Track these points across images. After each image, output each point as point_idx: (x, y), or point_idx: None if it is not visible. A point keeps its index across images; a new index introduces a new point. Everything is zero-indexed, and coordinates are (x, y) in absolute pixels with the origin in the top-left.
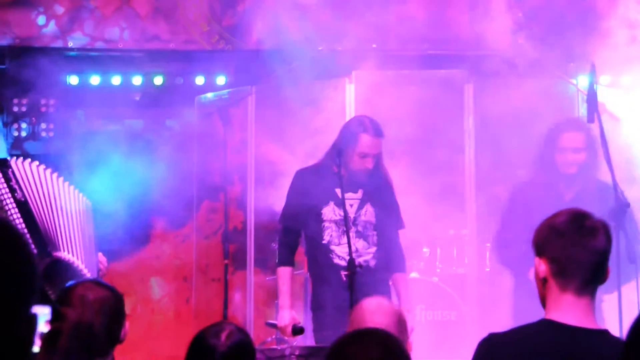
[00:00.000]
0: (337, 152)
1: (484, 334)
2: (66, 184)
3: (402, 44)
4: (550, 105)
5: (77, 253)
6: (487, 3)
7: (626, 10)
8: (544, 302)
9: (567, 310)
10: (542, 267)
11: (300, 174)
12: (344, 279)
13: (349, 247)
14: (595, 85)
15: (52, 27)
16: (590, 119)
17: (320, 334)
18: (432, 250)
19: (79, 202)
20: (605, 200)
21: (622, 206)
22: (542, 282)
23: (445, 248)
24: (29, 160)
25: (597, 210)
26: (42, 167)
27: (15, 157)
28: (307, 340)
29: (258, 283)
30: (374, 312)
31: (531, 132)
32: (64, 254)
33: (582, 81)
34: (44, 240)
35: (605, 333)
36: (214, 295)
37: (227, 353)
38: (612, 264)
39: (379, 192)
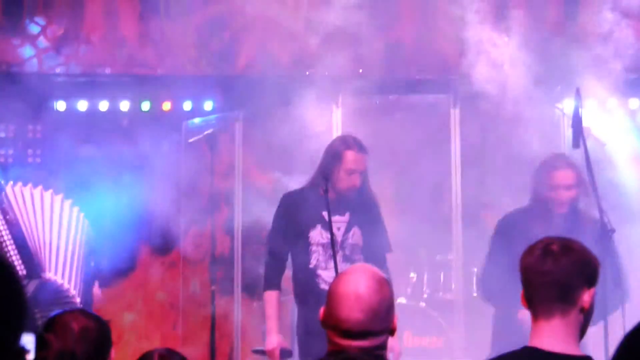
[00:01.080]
0: (323, 173)
1: None
2: (69, 208)
3: (389, 69)
4: (536, 130)
5: (67, 275)
6: (473, 28)
7: (611, 34)
8: None
9: (543, 336)
10: (522, 293)
11: (287, 198)
12: None
13: (336, 272)
14: (580, 110)
15: (39, 52)
16: (576, 144)
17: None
18: (419, 275)
19: (76, 225)
20: (590, 228)
21: (608, 232)
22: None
23: (432, 273)
24: (21, 183)
25: (584, 239)
26: (39, 189)
27: (10, 182)
28: None
29: (245, 308)
30: (350, 303)
31: (517, 157)
32: (51, 275)
33: (568, 105)
34: (34, 261)
35: (588, 359)
36: (200, 322)
37: None
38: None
39: (366, 215)
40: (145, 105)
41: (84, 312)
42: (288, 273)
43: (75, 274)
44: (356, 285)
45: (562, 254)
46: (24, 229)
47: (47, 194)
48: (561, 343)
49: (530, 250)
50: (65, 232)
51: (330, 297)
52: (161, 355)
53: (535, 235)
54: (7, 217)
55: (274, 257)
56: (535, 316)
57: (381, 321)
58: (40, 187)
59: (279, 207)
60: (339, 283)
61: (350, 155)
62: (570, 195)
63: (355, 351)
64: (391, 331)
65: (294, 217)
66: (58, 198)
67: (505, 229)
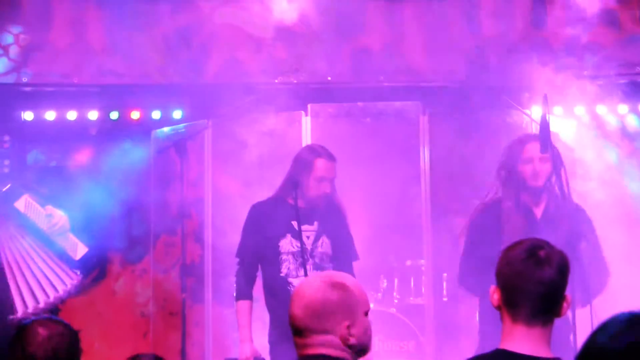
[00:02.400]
0: (293, 183)
1: None
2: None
3: (357, 76)
4: (505, 136)
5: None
6: (441, 35)
7: (578, 41)
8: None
9: (519, 340)
10: (495, 295)
11: (256, 208)
12: None
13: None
14: (548, 116)
15: (5, 62)
16: (544, 150)
17: None
18: (390, 280)
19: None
20: (569, 214)
21: (588, 220)
22: (498, 310)
23: (403, 278)
24: None
25: (567, 226)
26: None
27: None
28: None
29: (216, 316)
30: (293, 300)
31: (486, 163)
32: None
33: (536, 112)
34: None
35: None
36: (171, 330)
37: None
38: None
39: (334, 224)
40: (114, 115)
41: (53, 320)
42: (259, 282)
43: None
44: (304, 286)
45: (552, 263)
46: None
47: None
48: (535, 347)
49: (516, 253)
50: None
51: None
52: None
53: (518, 220)
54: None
55: (244, 267)
56: (514, 320)
57: (322, 319)
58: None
59: (248, 218)
60: (296, 287)
61: (320, 164)
62: (544, 168)
63: (307, 353)
64: (344, 340)
65: (263, 227)
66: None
67: (480, 217)
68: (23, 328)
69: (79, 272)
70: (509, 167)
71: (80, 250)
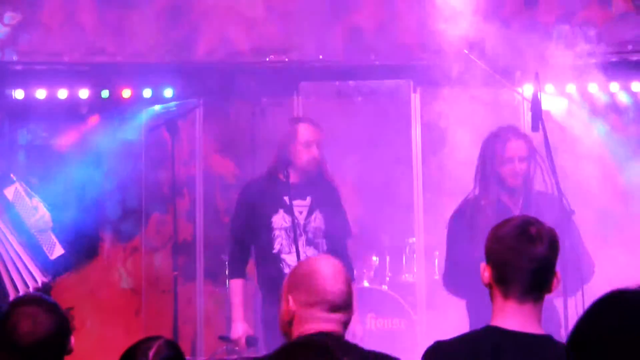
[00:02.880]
0: (282, 158)
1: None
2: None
3: (349, 55)
4: (496, 114)
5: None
6: (433, 13)
7: (570, 19)
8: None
9: (510, 317)
10: (486, 273)
11: (248, 186)
12: None
13: (297, 255)
14: (539, 94)
15: None
16: (535, 128)
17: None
18: (381, 258)
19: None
20: (549, 210)
21: (567, 214)
22: (489, 288)
23: (394, 256)
24: None
25: (544, 219)
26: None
27: None
28: (261, 352)
29: (208, 294)
30: (334, 280)
31: (477, 141)
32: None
33: (527, 90)
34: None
35: (548, 338)
36: (163, 307)
37: None
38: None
39: (327, 199)
40: (105, 93)
41: (40, 301)
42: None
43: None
44: (329, 264)
45: (544, 239)
46: None
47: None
48: (526, 324)
49: (507, 230)
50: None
51: (308, 276)
52: (157, 351)
53: (497, 218)
54: None
55: (237, 245)
56: (506, 297)
57: (352, 296)
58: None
59: (239, 197)
60: (312, 265)
61: (303, 128)
62: (523, 168)
63: (332, 330)
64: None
65: (255, 204)
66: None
67: (458, 221)
68: (11, 307)
69: (49, 276)
70: (487, 164)
71: (57, 250)
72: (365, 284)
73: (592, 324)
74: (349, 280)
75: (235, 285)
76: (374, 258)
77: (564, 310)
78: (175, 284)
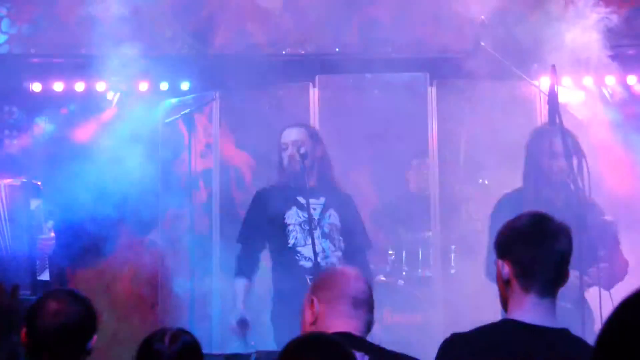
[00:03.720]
0: (280, 163)
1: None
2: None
3: (365, 48)
4: (512, 108)
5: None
6: (449, 6)
7: (586, 12)
8: (505, 303)
9: (529, 310)
10: (506, 269)
11: (260, 191)
12: (309, 282)
13: (313, 247)
14: (556, 87)
15: (14, 33)
16: (552, 121)
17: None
18: (398, 252)
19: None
20: (588, 208)
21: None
22: (505, 284)
23: (411, 250)
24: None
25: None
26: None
27: None
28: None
29: (224, 288)
30: (356, 278)
31: (494, 134)
32: None
33: (544, 83)
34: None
35: (565, 332)
36: (179, 302)
37: (173, 356)
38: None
39: (342, 203)
40: (122, 86)
41: (69, 294)
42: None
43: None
44: (352, 267)
45: (565, 233)
46: None
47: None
48: (544, 317)
49: (526, 225)
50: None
51: (331, 276)
52: (173, 335)
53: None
54: None
55: (245, 248)
56: (527, 291)
57: (372, 297)
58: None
59: (252, 200)
60: (335, 269)
61: (283, 133)
62: (567, 164)
63: (353, 329)
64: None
65: (268, 204)
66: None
67: (503, 209)
68: (40, 299)
69: (28, 290)
70: (534, 159)
71: (44, 275)
72: (382, 278)
73: (622, 322)
74: (370, 285)
75: (238, 284)
76: (390, 252)
77: (599, 309)
78: (191, 278)
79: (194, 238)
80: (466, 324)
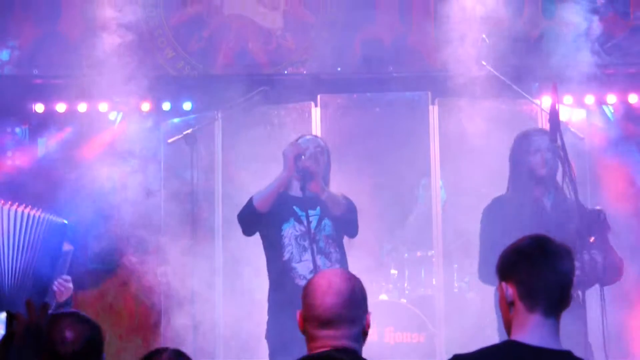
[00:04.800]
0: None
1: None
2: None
3: (367, 67)
4: (514, 126)
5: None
6: (450, 25)
7: (588, 30)
8: (508, 326)
9: (533, 332)
10: (510, 290)
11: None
12: None
13: (313, 262)
14: (557, 105)
15: (16, 55)
16: (553, 139)
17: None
18: (400, 271)
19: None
20: (581, 210)
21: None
22: (509, 306)
23: (413, 269)
24: (9, 203)
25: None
26: (29, 210)
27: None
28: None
29: (227, 305)
30: (323, 294)
31: (495, 153)
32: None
33: (545, 101)
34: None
35: (569, 354)
36: (182, 320)
37: None
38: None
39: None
40: (123, 107)
41: (79, 319)
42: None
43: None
44: (327, 276)
45: (568, 255)
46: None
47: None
48: (549, 339)
49: (530, 247)
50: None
51: (306, 291)
52: (170, 355)
53: (525, 215)
54: None
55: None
56: (532, 312)
57: (356, 307)
58: (23, 207)
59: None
60: (313, 279)
61: (300, 141)
62: (552, 158)
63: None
64: (364, 331)
65: (268, 211)
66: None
67: (494, 212)
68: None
69: None
70: (516, 159)
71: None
72: (384, 297)
73: None
74: (349, 291)
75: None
76: (393, 271)
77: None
78: (193, 298)
79: (196, 257)
80: (468, 343)
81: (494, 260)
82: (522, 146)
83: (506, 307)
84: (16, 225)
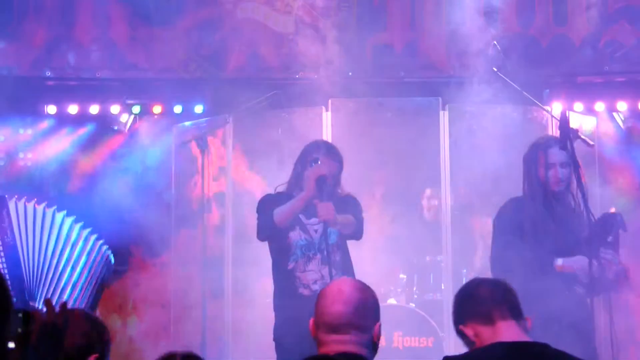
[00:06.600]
0: (296, 175)
1: None
2: (74, 227)
3: (378, 72)
4: (524, 132)
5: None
6: (461, 31)
7: (598, 38)
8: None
9: (505, 334)
10: (469, 330)
11: (268, 196)
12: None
13: (331, 272)
14: (567, 112)
15: (30, 56)
16: (563, 145)
17: None
18: (409, 276)
19: (82, 246)
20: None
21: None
22: (476, 339)
23: (422, 274)
24: (25, 199)
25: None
26: (43, 206)
27: (15, 196)
28: None
29: (236, 311)
30: (333, 302)
31: (506, 159)
32: (37, 306)
33: (556, 108)
34: (24, 288)
35: (547, 346)
36: (192, 323)
37: None
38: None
39: (343, 206)
40: (136, 109)
41: (86, 314)
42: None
43: (79, 296)
44: (339, 284)
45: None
46: (20, 253)
47: (50, 212)
48: (521, 335)
49: (469, 290)
50: (68, 254)
51: (318, 299)
52: (182, 358)
53: (543, 214)
54: (6, 239)
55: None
56: (493, 322)
57: (364, 316)
58: (44, 205)
59: (260, 201)
60: (326, 288)
61: (311, 147)
62: (565, 173)
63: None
64: (374, 343)
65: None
66: (60, 215)
67: (508, 211)
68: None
69: None
70: (531, 168)
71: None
72: (393, 301)
73: None
74: (359, 300)
75: (280, 207)
76: (402, 276)
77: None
78: (203, 300)
79: (206, 260)
80: None
81: (504, 254)
82: (537, 157)
83: (475, 342)
84: (34, 222)
